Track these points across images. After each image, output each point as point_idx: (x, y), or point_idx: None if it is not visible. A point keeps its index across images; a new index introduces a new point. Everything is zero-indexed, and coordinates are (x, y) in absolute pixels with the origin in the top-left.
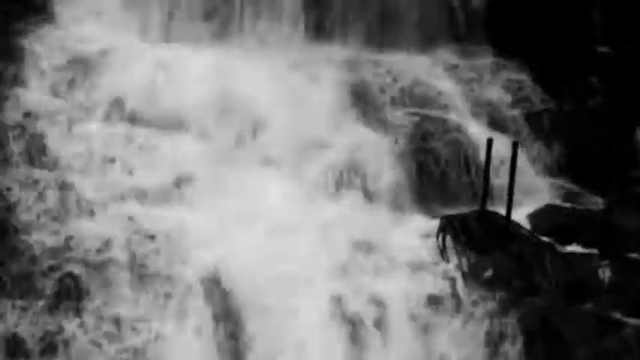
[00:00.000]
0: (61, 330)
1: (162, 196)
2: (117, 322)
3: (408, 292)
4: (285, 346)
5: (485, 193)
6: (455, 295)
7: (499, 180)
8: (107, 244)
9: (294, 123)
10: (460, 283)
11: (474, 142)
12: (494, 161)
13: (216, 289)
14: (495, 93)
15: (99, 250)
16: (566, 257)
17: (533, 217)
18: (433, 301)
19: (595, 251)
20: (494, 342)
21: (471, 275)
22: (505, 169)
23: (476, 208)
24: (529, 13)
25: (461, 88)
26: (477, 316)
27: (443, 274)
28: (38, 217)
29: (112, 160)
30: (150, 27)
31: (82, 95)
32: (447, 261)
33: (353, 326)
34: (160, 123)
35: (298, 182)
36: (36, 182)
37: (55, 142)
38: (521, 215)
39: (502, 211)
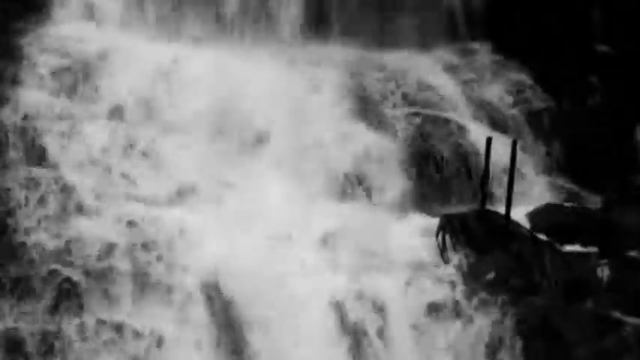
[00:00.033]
0: (60, 335)
1: (163, 199)
2: (118, 328)
3: (409, 298)
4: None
5: (485, 192)
6: (455, 301)
7: (498, 179)
8: (108, 248)
9: (295, 124)
10: (460, 287)
11: (474, 142)
12: (494, 160)
13: (217, 299)
14: (495, 92)
15: (99, 256)
16: (565, 256)
17: (532, 216)
18: (434, 308)
19: (594, 250)
20: (494, 347)
21: (471, 276)
22: (505, 168)
23: (475, 207)
24: (529, 13)
25: (461, 88)
26: (477, 322)
27: (443, 278)
28: (38, 221)
29: (113, 161)
30: (150, 26)
31: (82, 95)
32: (447, 261)
33: (356, 338)
34: (160, 124)
35: (299, 185)
36: (36, 184)
37: (56, 143)
38: (520, 214)
39: (501, 210)
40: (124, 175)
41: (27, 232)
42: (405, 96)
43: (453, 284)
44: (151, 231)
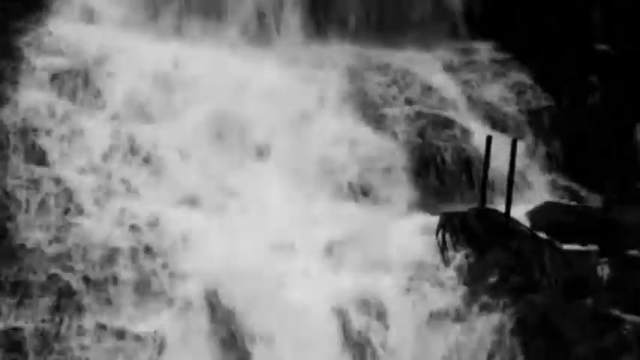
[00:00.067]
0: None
1: (165, 204)
2: (120, 334)
3: (411, 305)
4: None
5: (485, 190)
6: (457, 307)
7: (498, 177)
8: (109, 253)
9: (297, 126)
10: (461, 291)
11: (474, 141)
12: (494, 159)
13: (219, 310)
14: (496, 92)
15: (100, 260)
16: (565, 254)
17: (532, 214)
18: (436, 316)
19: (594, 248)
20: (495, 352)
21: (472, 278)
22: (504, 167)
23: (475, 205)
24: (529, 13)
25: (461, 87)
26: (478, 328)
27: (445, 282)
28: (40, 225)
29: (114, 161)
30: (151, 24)
31: (82, 96)
32: (447, 260)
33: (359, 348)
34: (161, 121)
35: (301, 189)
36: (36, 184)
37: (56, 143)
38: (520, 212)
39: (501, 208)
40: (124, 180)
41: (26, 232)
42: (404, 94)
43: (454, 289)
44: (152, 236)
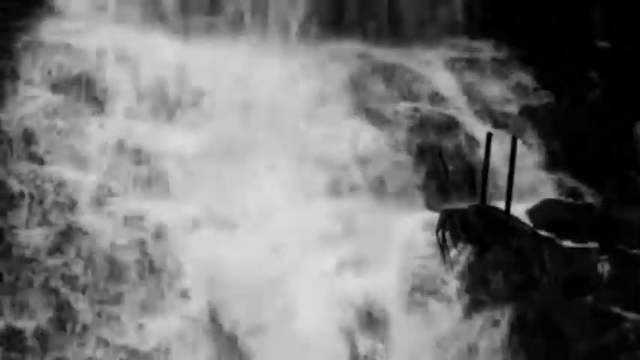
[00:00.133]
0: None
1: (163, 202)
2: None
3: (411, 306)
4: None
5: (485, 187)
6: (458, 322)
7: (499, 175)
8: (112, 266)
9: (298, 122)
10: (464, 300)
11: (474, 138)
12: (494, 157)
13: (222, 328)
14: (496, 90)
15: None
16: (565, 252)
17: (532, 211)
18: (436, 318)
19: (594, 245)
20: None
21: (472, 276)
22: (505, 165)
23: (475, 202)
24: (529, 12)
25: (462, 85)
26: (481, 347)
27: (444, 282)
28: (38, 221)
29: (114, 160)
30: (154, 21)
31: (83, 92)
32: (447, 260)
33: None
34: (164, 119)
35: (300, 188)
36: (35, 180)
37: (56, 140)
38: (520, 210)
39: (501, 205)
40: (122, 175)
41: (25, 228)
42: (405, 92)
43: (454, 290)
44: (157, 250)
